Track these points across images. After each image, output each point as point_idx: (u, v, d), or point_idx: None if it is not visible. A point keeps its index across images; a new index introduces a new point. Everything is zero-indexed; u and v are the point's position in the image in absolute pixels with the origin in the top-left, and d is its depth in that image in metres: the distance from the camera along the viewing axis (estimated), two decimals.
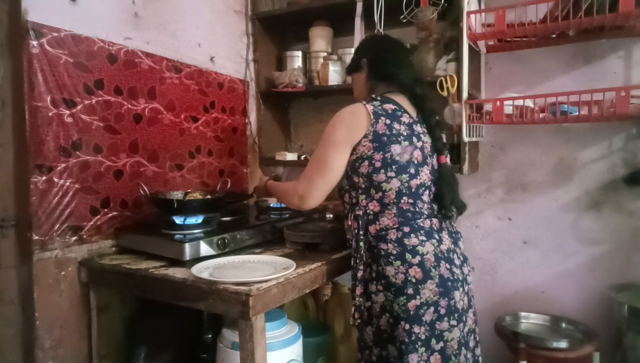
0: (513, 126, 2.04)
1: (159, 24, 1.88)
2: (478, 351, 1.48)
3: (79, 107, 1.55)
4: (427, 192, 1.43)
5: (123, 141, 1.72)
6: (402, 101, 1.47)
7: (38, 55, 1.43)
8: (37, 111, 1.43)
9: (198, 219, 1.64)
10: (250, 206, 2.26)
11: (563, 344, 1.74)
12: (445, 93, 1.76)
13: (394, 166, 1.37)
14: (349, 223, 1.44)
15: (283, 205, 1.97)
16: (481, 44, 1.95)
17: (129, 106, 1.74)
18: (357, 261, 1.39)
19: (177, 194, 1.78)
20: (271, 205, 2.14)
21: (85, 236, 1.57)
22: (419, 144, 1.43)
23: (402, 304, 1.30)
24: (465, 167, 1.88)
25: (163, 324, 1.67)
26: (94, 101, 1.60)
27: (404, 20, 1.94)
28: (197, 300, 1.29)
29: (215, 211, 1.72)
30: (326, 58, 2.27)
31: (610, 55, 1.89)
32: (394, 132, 1.38)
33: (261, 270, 1.37)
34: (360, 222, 1.39)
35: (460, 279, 1.38)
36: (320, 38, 2.35)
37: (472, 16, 1.74)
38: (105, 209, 1.64)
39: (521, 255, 2.11)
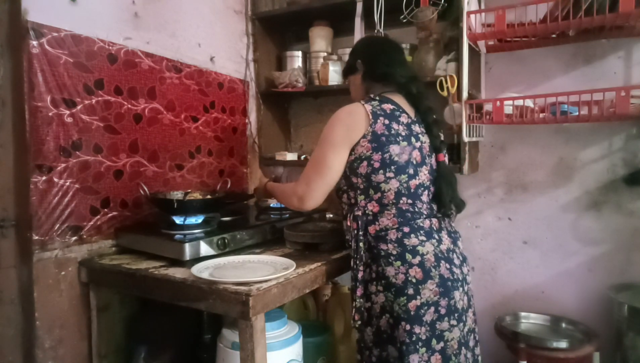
0: (513, 126, 2.04)
1: (159, 24, 1.88)
2: (478, 350, 1.48)
3: (79, 107, 1.55)
4: (426, 192, 1.43)
5: (123, 141, 1.72)
6: (400, 100, 1.47)
7: (38, 55, 1.43)
8: (37, 111, 1.43)
9: (198, 219, 1.64)
10: (250, 206, 2.26)
11: (563, 344, 1.74)
12: (445, 93, 1.76)
13: (392, 167, 1.36)
14: (348, 223, 1.43)
15: (283, 205, 1.97)
16: (481, 44, 1.95)
17: (129, 106, 1.74)
18: (357, 262, 1.39)
19: (177, 194, 1.78)
20: (271, 205, 2.14)
21: (85, 236, 1.57)
22: (418, 144, 1.42)
23: (402, 304, 1.30)
24: (465, 167, 1.88)
25: (163, 324, 1.66)
26: (94, 101, 1.60)
27: (404, 20, 1.94)
28: (197, 300, 1.28)
29: (215, 211, 1.72)
30: (326, 58, 2.28)
31: (610, 55, 1.89)
32: (393, 132, 1.38)
33: (261, 270, 1.37)
34: (359, 223, 1.39)
35: (460, 279, 1.38)
36: (320, 38, 2.35)
37: (472, 16, 1.74)
38: (105, 209, 1.65)
39: (521, 255, 2.11)
